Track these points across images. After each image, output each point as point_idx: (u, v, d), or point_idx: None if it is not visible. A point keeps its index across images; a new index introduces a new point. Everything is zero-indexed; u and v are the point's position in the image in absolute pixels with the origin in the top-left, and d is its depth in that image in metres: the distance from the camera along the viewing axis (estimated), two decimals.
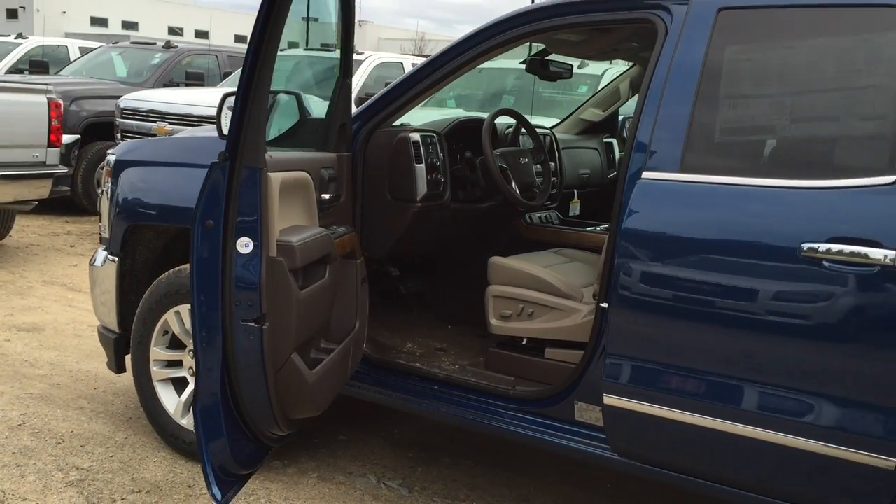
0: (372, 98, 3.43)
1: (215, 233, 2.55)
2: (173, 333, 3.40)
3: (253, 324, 2.58)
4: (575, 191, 4.65)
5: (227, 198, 2.53)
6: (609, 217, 2.79)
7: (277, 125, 3.21)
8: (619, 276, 2.57)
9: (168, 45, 10.67)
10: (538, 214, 4.21)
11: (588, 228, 4.17)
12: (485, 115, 3.85)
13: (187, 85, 9.63)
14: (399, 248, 3.52)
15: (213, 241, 2.55)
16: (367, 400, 3.34)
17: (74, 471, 3.28)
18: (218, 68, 10.50)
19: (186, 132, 4.85)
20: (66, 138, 7.61)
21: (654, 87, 2.64)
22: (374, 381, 3.30)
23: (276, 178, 2.63)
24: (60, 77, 9.80)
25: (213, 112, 3.04)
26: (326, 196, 3.02)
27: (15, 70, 11.27)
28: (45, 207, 7.54)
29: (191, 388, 3.31)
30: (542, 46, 3.93)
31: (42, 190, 6.59)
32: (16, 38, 12.50)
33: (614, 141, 5.30)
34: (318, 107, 3.33)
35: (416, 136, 3.36)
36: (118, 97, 8.62)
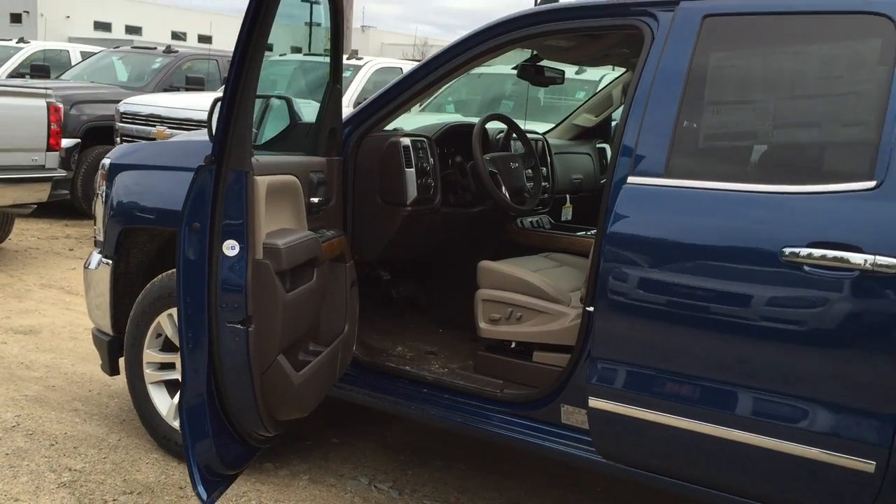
0: (363, 102, 3.45)
1: (202, 235, 2.57)
2: (166, 336, 3.43)
3: (239, 326, 2.60)
4: (567, 196, 4.66)
5: (214, 201, 2.56)
6: None
7: (268, 129, 3.23)
8: (604, 280, 2.58)
9: (169, 50, 10.73)
10: (529, 219, 4.23)
11: (579, 233, 4.19)
12: (476, 121, 3.87)
13: (188, 89, 9.67)
14: (390, 251, 3.54)
15: (199, 243, 2.58)
16: (357, 402, 3.36)
17: (67, 472, 3.30)
18: (218, 73, 10.53)
19: (181, 136, 4.88)
20: (67, 142, 7.64)
21: (640, 92, 2.67)
22: (365, 383, 3.32)
23: (262, 181, 2.65)
24: (61, 81, 9.85)
25: None
26: (315, 200, 3.04)
27: (16, 74, 11.34)
28: (44, 211, 7.57)
29: None
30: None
31: (41, 193, 6.63)
32: (17, 43, 12.58)
33: (607, 146, 5.29)
34: (308, 111, 3.36)
35: (406, 141, 3.38)
36: (118, 101, 8.66)
